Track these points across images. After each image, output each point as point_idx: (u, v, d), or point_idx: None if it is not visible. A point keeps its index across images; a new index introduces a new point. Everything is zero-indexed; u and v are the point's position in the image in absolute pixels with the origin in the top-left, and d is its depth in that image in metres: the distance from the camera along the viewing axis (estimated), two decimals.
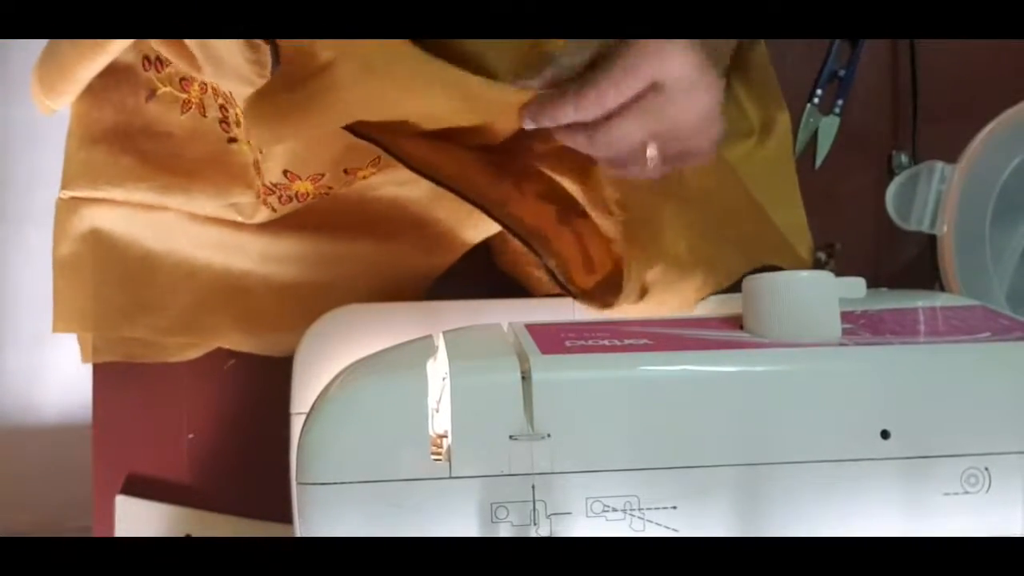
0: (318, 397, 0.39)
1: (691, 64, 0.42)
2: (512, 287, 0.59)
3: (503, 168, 0.52)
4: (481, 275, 0.61)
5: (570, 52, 0.45)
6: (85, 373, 0.61)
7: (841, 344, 0.42)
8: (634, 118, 0.43)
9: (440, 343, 0.42)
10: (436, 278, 0.61)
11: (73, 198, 0.56)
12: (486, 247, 0.60)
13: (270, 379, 0.57)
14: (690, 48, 0.42)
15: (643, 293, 0.54)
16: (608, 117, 0.44)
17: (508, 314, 0.49)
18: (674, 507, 0.38)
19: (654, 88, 0.43)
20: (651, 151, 0.45)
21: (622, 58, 0.43)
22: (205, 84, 0.54)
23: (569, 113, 0.44)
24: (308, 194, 0.54)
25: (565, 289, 0.53)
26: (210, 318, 0.58)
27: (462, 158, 0.52)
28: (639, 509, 0.38)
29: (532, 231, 0.53)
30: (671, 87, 0.43)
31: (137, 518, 0.60)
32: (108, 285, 0.57)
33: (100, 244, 0.57)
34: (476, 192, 0.52)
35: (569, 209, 0.53)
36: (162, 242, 0.57)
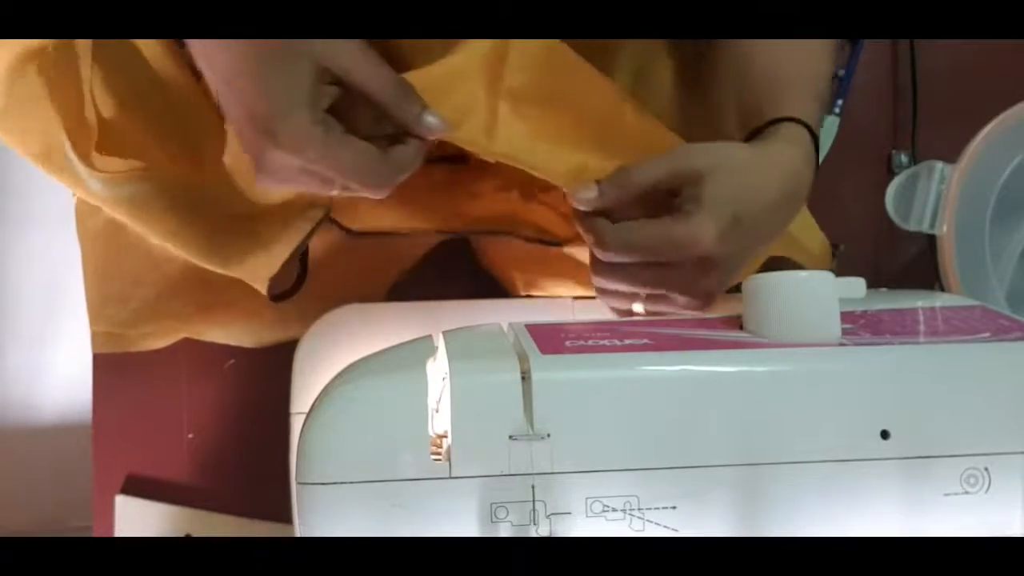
0: (318, 397, 0.39)
1: (712, 240, 0.45)
2: None
3: (455, 183, 0.52)
4: (481, 275, 0.61)
5: (639, 173, 0.47)
6: (85, 373, 0.61)
7: (841, 344, 0.42)
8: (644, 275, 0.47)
9: (440, 343, 0.42)
10: (418, 274, 0.61)
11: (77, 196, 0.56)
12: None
13: (270, 379, 0.57)
14: (715, 227, 0.44)
15: None
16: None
17: (508, 314, 0.49)
18: (674, 507, 0.38)
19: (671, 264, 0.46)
20: (637, 308, 0.50)
21: (661, 229, 0.45)
22: None
23: (590, 241, 0.47)
24: None
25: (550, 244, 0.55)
26: (172, 309, 0.58)
27: (410, 196, 0.52)
28: (639, 509, 0.38)
29: (501, 219, 0.54)
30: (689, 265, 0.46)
31: (137, 518, 0.60)
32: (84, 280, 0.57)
33: (82, 240, 0.57)
34: (433, 223, 0.53)
35: (530, 185, 0.54)
36: (129, 234, 0.57)
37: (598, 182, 0.47)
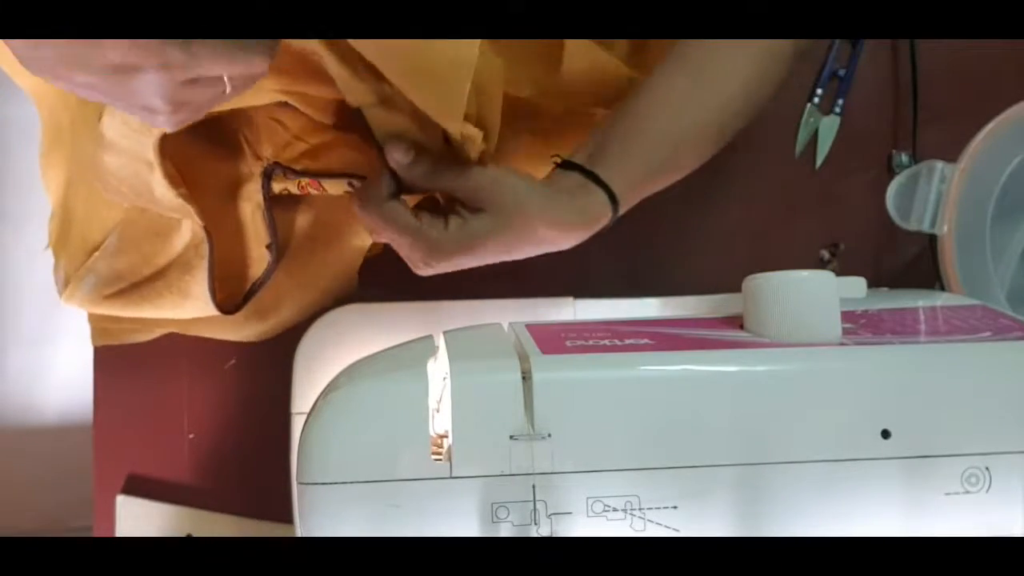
0: (318, 397, 0.39)
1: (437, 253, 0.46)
2: (512, 287, 0.59)
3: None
4: (481, 275, 0.61)
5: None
6: (86, 373, 0.61)
7: (842, 344, 0.42)
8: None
9: (440, 343, 0.42)
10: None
11: None
12: None
13: (270, 379, 0.57)
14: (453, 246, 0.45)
15: None
16: None
17: (508, 314, 0.50)
18: (674, 507, 0.38)
19: None
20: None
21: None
22: None
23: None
24: None
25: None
26: None
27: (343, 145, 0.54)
28: (639, 509, 0.38)
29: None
30: None
31: (138, 518, 0.60)
32: None
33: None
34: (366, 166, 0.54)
35: None
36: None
37: (418, 154, 0.46)
